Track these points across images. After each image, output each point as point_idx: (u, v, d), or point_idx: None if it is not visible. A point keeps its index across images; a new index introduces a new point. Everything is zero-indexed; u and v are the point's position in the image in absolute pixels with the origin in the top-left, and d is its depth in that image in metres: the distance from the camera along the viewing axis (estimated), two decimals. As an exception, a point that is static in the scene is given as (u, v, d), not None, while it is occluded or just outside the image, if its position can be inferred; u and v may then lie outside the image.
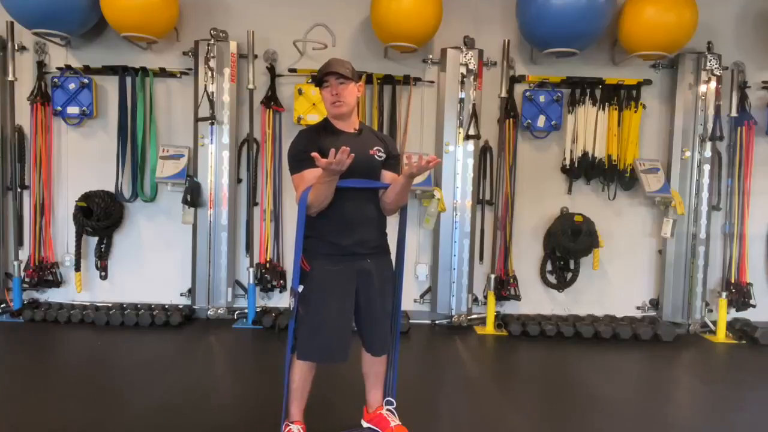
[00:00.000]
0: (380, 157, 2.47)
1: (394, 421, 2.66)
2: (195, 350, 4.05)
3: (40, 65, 4.51)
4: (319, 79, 2.42)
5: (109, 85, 4.58)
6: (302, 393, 2.56)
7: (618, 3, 4.31)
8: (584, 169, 4.60)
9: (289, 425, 2.56)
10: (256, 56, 4.48)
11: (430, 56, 4.57)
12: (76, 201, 4.49)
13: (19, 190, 4.58)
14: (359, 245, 2.43)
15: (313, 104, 4.44)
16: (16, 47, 4.46)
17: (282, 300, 4.74)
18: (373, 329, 2.57)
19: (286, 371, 2.51)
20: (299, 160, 2.37)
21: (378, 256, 2.52)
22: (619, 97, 4.58)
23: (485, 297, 4.63)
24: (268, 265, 4.61)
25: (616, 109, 4.56)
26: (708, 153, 4.53)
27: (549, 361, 4.02)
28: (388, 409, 2.72)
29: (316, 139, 2.38)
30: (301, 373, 2.52)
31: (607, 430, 2.96)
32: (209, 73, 4.33)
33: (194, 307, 4.62)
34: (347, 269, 2.41)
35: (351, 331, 2.48)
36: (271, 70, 4.52)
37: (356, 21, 4.57)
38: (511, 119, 4.54)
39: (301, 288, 2.41)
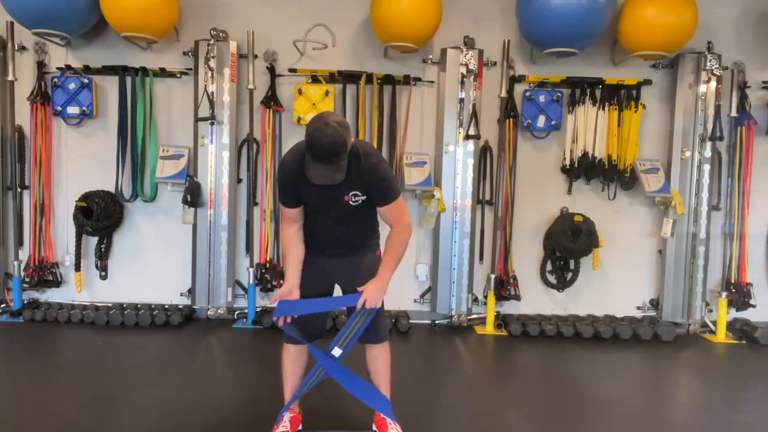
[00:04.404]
0: (356, 201, 2.44)
1: (393, 427, 2.64)
2: (195, 350, 4.05)
3: (40, 65, 4.51)
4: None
5: (109, 85, 4.58)
6: (292, 376, 2.66)
7: (618, 3, 4.31)
8: (584, 169, 4.60)
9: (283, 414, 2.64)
10: (256, 56, 4.48)
11: (430, 56, 4.57)
12: (76, 201, 4.49)
13: (19, 190, 4.58)
14: (332, 254, 2.59)
15: (313, 104, 4.44)
16: (16, 47, 4.46)
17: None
18: None
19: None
20: (281, 193, 2.53)
21: (354, 253, 2.61)
22: (619, 97, 4.58)
23: (485, 297, 4.63)
24: (268, 265, 4.60)
25: (616, 109, 4.56)
26: (708, 153, 4.53)
27: (549, 361, 4.02)
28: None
29: (298, 178, 2.34)
30: (288, 357, 2.65)
31: (607, 430, 2.96)
32: (209, 73, 4.33)
33: (194, 307, 4.62)
34: (324, 263, 2.58)
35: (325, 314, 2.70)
36: (271, 70, 4.52)
37: (356, 21, 4.57)
38: (511, 119, 4.54)
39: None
